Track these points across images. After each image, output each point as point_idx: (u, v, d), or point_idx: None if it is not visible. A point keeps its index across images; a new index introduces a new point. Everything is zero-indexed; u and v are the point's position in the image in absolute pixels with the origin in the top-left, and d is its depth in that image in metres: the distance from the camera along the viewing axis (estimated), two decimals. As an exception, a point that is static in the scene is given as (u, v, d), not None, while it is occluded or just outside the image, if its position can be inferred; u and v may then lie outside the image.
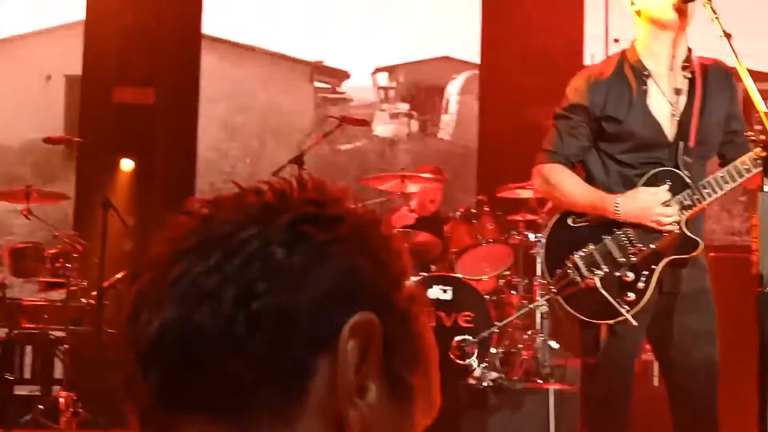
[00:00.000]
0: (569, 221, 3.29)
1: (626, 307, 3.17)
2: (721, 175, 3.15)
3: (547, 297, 5.23)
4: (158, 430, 0.76)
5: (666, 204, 3.16)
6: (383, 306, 0.76)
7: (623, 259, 3.20)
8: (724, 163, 3.30)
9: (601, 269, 3.20)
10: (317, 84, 8.47)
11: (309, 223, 0.76)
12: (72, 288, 5.75)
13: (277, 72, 8.70)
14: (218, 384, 0.72)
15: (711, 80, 3.26)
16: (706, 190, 3.16)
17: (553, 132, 3.32)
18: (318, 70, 8.55)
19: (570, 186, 3.27)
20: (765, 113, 2.73)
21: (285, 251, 0.74)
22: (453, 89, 8.54)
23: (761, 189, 2.73)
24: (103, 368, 5.21)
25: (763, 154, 2.74)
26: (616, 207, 3.16)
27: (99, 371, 5.25)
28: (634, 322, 3.16)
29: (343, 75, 8.57)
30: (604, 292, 3.18)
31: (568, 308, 3.25)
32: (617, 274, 3.20)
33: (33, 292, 6.26)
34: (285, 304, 0.72)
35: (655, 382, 5.34)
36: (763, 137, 2.75)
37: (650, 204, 3.16)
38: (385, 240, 0.80)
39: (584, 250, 3.22)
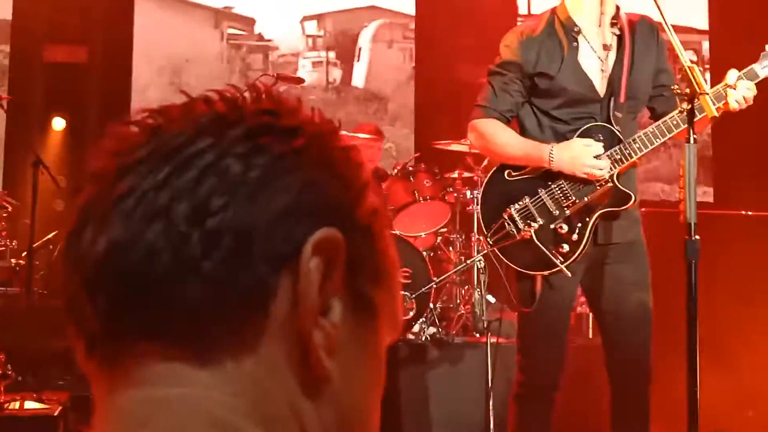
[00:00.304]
0: (505, 175, 3.32)
1: (561, 258, 3.22)
2: (651, 130, 3.21)
3: (484, 252, 5.30)
4: (107, 360, 0.70)
5: (598, 157, 3.20)
6: (345, 221, 0.71)
7: (558, 212, 3.25)
8: (654, 116, 3.37)
9: (536, 222, 3.25)
10: (230, 31, 8.37)
11: (265, 135, 0.71)
12: (1, 249, 5.62)
13: (196, 20, 8.56)
14: (172, 308, 0.67)
15: (638, 36, 3.33)
16: (637, 145, 3.22)
17: (487, 88, 3.35)
18: (227, 17, 8.43)
19: (504, 138, 3.30)
20: (689, 67, 2.78)
21: (241, 164, 0.68)
22: (365, 37, 8.54)
23: (687, 141, 2.78)
24: (33, 330, 5.12)
25: (688, 107, 2.79)
26: (551, 155, 3.20)
27: (29, 333, 5.15)
28: (569, 273, 3.21)
29: (251, 21, 8.49)
30: (539, 243, 3.23)
31: (505, 260, 3.29)
32: (552, 226, 3.25)
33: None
34: (243, 220, 0.67)
35: (590, 334, 5.44)
36: (687, 91, 2.79)
37: (583, 154, 3.20)
38: (344, 152, 0.75)
39: (520, 203, 3.27)
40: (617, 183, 3.24)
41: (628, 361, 3.31)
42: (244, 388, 0.68)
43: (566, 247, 3.23)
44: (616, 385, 3.36)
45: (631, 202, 3.25)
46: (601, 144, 3.22)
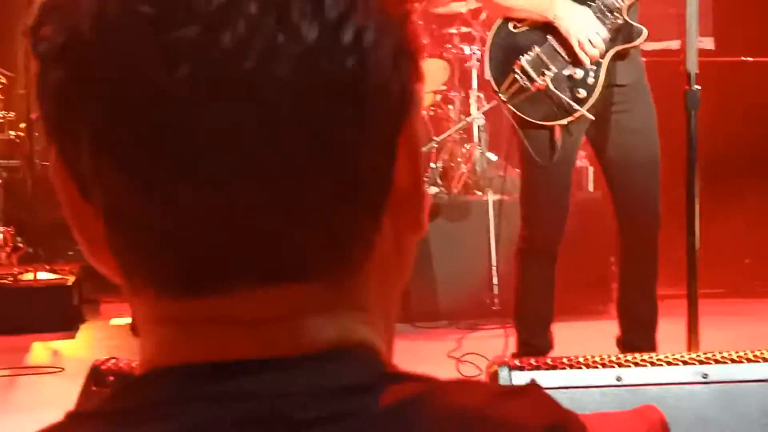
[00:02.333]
0: (510, 27, 3.26)
1: (577, 104, 3.20)
2: None
3: (484, 108, 5.28)
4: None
5: (598, 34, 3.14)
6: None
7: (570, 57, 3.20)
8: None
9: (549, 70, 3.20)
10: None
11: None
12: (-1, 121, 5.59)
13: None
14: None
15: None
16: None
17: None
18: None
19: None
20: None
21: None
22: None
23: None
24: (39, 202, 5.14)
25: None
26: (557, 9, 3.14)
27: (34, 205, 5.18)
28: (591, 117, 3.19)
29: None
30: (557, 91, 3.19)
31: (522, 115, 3.25)
32: (566, 72, 3.21)
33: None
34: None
35: (590, 187, 5.48)
36: None
37: (587, 22, 3.14)
38: None
39: (530, 53, 3.21)
40: (627, 18, 3.19)
41: (638, 209, 3.32)
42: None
43: (583, 92, 3.19)
44: (625, 233, 3.38)
45: (643, 36, 3.21)
46: (606, 33, 3.15)
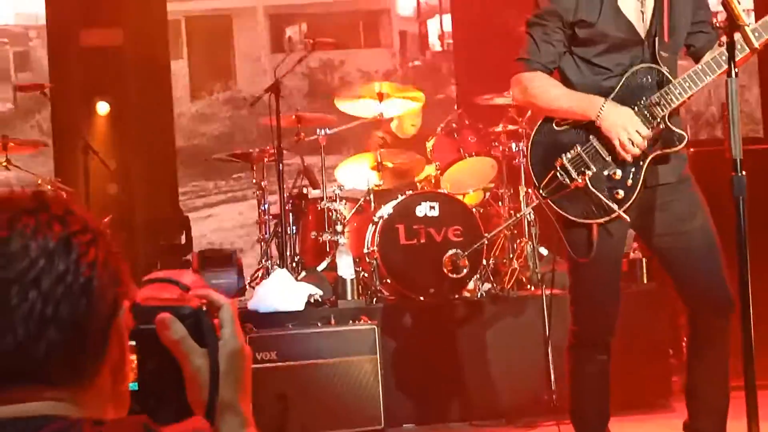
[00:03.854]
0: (553, 125, 3.31)
1: (616, 204, 3.21)
2: (696, 69, 3.18)
3: (533, 204, 5.30)
4: None
5: (640, 134, 3.18)
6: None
7: (610, 157, 3.23)
8: (691, 53, 3.34)
9: (590, 169, 3.23)
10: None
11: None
12: (61, 235, 5.74)
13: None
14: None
15: None
16: (687, 84, 3.18)
17: (528, 40, 3.31)
18: None
19: (552, 92, 3.27)
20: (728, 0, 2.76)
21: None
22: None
23: (728, 75, 2.76)
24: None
25: (727, 39, 2.77)
26: (602, 109, 3.18)
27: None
28: (627, 218, 3.20)
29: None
30: (595, 191, 3.22)
31: (560, 211, 3.28)
32: (606, 173, 3.24)
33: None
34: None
35: (644, 279, 5.43)
36: (727, 23, 2.77)
37: (630, 122, 3.18)
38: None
39: (572, 152, 3.25)
40: (669, 124, 3.22)
41: (704, 291, 3.26)
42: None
43: (621, 193, 3.21)
44: (696, 317, 3.31)
45: (684, 143, 3.23)
46: (648, 129, 3.19)
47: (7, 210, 1.02)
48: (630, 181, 3.22)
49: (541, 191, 3.28)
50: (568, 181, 3.24)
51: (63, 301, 0.99)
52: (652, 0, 3.23)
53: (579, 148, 3.25)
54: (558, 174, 3.25)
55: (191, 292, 1.17)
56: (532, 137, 3.37)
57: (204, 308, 1.15)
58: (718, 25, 2.82)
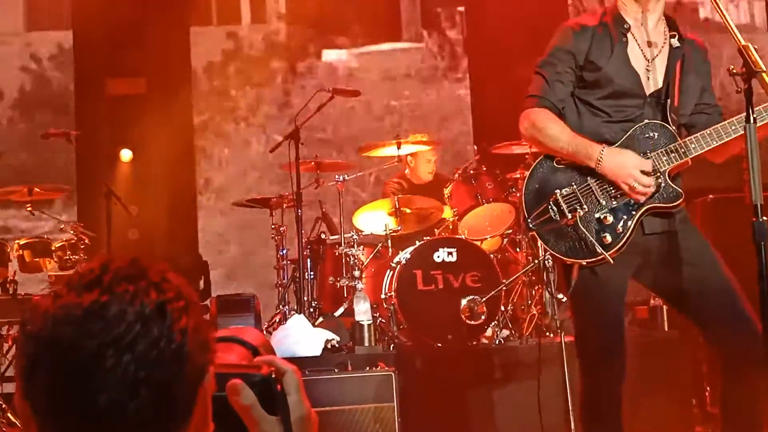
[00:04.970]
0: (553, 162, 3.33)
1: (602, 247, 3.20)
2: (709, 132, 3.19)
3: (532, 232, 5.28)
4: None
5: (646, 174, 3.19)
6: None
7: (605, 202, 3.24)
8: (687, 129, 3.35)
9: (582, 208, 3.24)
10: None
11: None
12: (81, 280, 5.79)
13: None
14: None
15: (694, 50, 3.36)
16: (693, 145, 3.21)
17: (539, 78, 3.35)
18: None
19: (555, 131, 3.29)
20: (744, 46, 2.79)
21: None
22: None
23: (747, 120, 2.77)
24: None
25: (745, 86, 2.79)
26: (601, 156, 3.19)
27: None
28: (611, 260, 3.18)
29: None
30: (584, 230, 3.22)
31: (544, 244, 3.28)
32: (597, 215, 3.24)
33: (43, 286, 6.29)
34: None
35: (666, 326, 5.38)
36: (744, 69, 2.79)
37: (633, 165, 3.19)
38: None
39: (567, 188, 3.27)
40: (668, 179, 3.23)
41: (733, 332, 3.18)
42: None
43: (609, 238, 3.20)
44: (726, 361, 3.23)
45: (679, 201, 3.24)
46: (651, 163, 3.21)
47: (108, 275, 1.05)
48: (620, 228, 3.22)
49: (529, 222, 3.29)
50: (558, 217, 3.25)
51: (155, 366, 1.02)
52: (663, 66, 3.29)
53: (575, 186, 3.26)
54: (550, 208, 3.27)
55: (258, 359, 1.22)
56: (530, 169, 3.38)
57: (273, 375, 1.19)
58: (734, 72, 2.84)
